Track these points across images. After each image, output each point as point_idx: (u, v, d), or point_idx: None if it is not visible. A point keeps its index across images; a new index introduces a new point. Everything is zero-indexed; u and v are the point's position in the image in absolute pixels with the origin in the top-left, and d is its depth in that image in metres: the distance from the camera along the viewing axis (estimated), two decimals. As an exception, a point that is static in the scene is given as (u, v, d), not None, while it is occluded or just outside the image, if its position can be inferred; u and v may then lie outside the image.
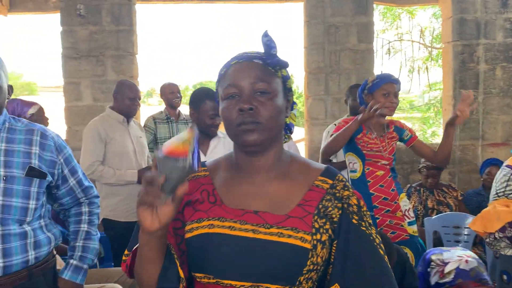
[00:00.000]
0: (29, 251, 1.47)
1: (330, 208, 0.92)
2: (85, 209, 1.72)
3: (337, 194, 0.94)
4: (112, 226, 2.98)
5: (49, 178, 1.53)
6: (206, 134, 2.34)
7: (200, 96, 2.28)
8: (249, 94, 0.90)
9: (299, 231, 0.88)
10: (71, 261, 1.65)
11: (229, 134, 0.94)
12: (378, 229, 2.32)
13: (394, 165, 2.46)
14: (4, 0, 5.25)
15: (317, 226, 0.89)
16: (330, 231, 0.91)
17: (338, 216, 0.92)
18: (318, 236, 0.89)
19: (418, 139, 2.51)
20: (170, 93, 3.73)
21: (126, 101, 3.00)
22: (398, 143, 2.50)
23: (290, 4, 4.98)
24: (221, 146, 2.39)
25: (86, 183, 1.71)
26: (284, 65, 0.94)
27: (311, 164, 1.01)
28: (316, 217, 0.90)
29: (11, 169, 1.45)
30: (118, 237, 2.92)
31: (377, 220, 2.35)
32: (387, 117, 2.47)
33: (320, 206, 0.92)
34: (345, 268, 0.89)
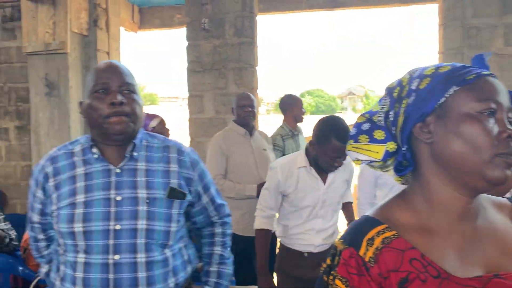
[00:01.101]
0: (169, 279, 1.37)
1: None
2: (218, 230, 1.59)
3: None
4: (234, 240, 2.93)
5: (188, 197, 1.42)
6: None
7: (326, 132, 2.04)
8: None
9: None
10: (206, 287, 1.54)
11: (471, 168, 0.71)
12: None
13: None
14: (135, 18, 5.64)
15: None
16: None
17: None
18: None
19: None
20: (299, 109, 3.62)
21: (238, 110, 3.01)
22: None
23: (420, 6, 4.56)
24: (341, 172, 2.25)
25: (219, 201, 1.58)
26: None
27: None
28: None
29: (153, 191, 1.35)
30: (240, 252, 2.84)
31: None
32: None
33: None
34: None
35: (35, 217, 1.46)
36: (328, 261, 0.75)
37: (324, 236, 2.24)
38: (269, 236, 2.33)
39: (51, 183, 1.37)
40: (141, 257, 1.31)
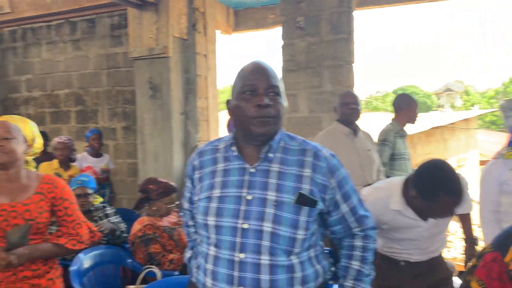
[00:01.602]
0: (295, 286, 1.31)
1: None
2: (358, 243, 1.45)
3: None
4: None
5: (319, 205, 1.35)
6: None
7: (434, 188, 1.74)
8: None
9: None
10: None
11: None
12: None
13: None
14: (230, 20, 5.77)
15: None
16: None
17: None
18: None
19: None
20: (414, 110, 3.46)
21: (343, 108, 2.92)
22: None
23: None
24: None
25: (361, 212, 1.45)
26: None
27: None
28: None
29: (282, 194, 1.32)
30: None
31: None
32: None
33: None
34: None
35: (186, 205, 1.58)
36: (473, 262, 0.67)
37: (426, 252, 2.06)
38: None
39: (196, 175, 1.46)
40: (265, 259, 1.29)
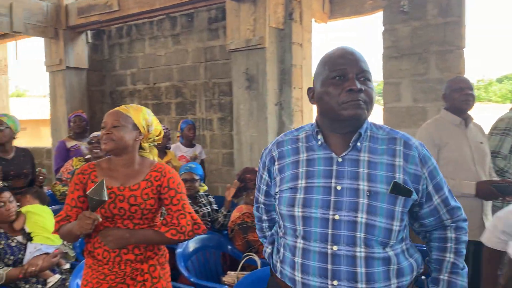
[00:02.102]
0: (391, 279, 1.26)
1: None
2: (451, 234, 1.40)
3: None
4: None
5: (414, 196, 1.29)
6: None
7: None
8: None
9: None
10: None
11: None
12: None
13: None
14: (326, 8, 5.62)
15: None
16: None
17: None
18: None
19: None
20: None
21: (454, 94, 2.64)
22: None
23: None
24: None
25: (453, 203, 1.40)
26: None
27: None
28: None
29: (375, 184, 1.26)
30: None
31: None
32: None
33: None
34: None
35: (261, 198, 1.56)
36: None
37: None
38: (501, 260, 1.93)
39: (276, 166, 1.42)
40: (360, 252, 1.25)
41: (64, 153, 4.36)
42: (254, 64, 4.39)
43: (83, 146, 4.45)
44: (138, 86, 6.58)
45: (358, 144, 1.32)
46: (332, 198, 1.27)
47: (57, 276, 2.72)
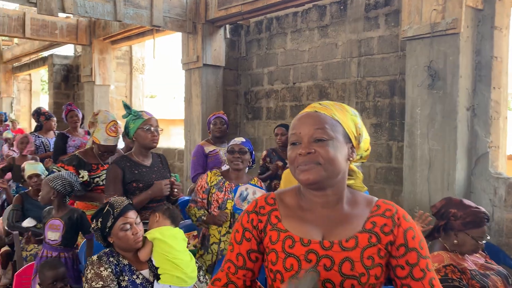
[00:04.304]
0: None
1: None
2: None
3: None
4: None
5: None
6: None
7: None
8: None
9: None
10: None
11: None
12: None
13: None
14: None
15: None
16: None
17: None
18: None
19: None
20: None
21: None
22: None
23: None
24: None
25: None
26: None
27: None
28: None
29: None
30: None
31: None
32: None
33: None
34: None
35: None
36: None
37: None
38: None
39: None
40: None
41: (203, 159, 3.79)
42: (441, 55, 3.34)
43: (222, 151, 3.84)
44: (276, 86, 5.89)
45: None
46: None
47: None
